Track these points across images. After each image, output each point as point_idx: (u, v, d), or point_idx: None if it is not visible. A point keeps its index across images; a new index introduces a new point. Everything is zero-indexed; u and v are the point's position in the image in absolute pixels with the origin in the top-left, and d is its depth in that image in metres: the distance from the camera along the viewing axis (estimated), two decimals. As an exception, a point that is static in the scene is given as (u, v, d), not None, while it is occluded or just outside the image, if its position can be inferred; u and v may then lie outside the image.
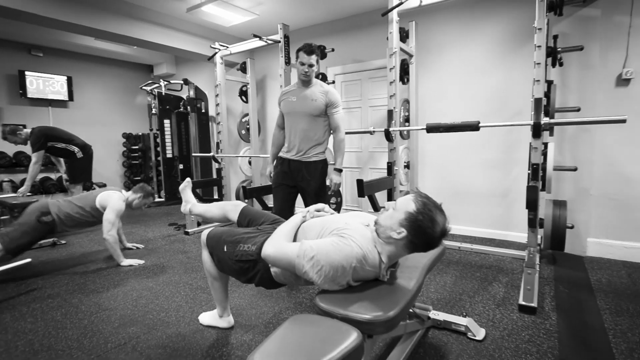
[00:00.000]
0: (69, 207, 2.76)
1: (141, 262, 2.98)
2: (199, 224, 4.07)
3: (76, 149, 3.81)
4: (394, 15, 2.70)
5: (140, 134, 6.30)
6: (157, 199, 5.81)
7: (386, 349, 1.67)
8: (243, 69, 4.46)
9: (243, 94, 4.63)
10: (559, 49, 2.64)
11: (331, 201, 3.43)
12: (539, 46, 2.11)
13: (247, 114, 4.62)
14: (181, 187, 2.17)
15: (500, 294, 2.26)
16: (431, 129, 2.41)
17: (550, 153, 2.48)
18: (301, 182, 2.44)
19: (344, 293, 1.20)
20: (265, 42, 3.63)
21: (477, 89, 3.43)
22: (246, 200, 3.79)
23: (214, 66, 4.19)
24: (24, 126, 3.99)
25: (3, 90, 4.89)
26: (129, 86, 6.28)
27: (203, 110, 5.54)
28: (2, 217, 3.98)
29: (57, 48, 5.31)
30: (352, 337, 0.97)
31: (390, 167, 2.83)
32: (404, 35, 3.20)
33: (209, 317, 1.94)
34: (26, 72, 4.97)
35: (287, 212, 2.40)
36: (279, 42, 3.44)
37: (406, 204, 1.20)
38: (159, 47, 4.41)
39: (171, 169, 5.46)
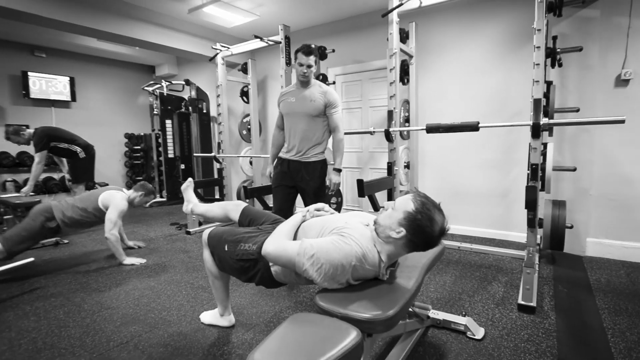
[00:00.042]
0: (72, 210, 2.78)
1: (143, 260, 3.00)
2: (200, 224, 4.09)
3: (79, 149, 3.83)
4: (394, 16, 2.71)
5: (142, 134, 6.33)
6: (158, 199, 5.83)
7: (386, 348, 1.68)
8: (244, 70, 4.47)
9: (244, 94, 4.65)
10: (558, 50, 2.65)
11: (332, 201, 3.44)
12: (538, 47, 2.12)
13: (248, 115, 4.64)
14: (183, 187, 2.18)
15: (499, 294, 2.27)
16: (431, 129, 2.42)
17: (550, 153, 2.49)
18: (300, 182, 2.46)
19: (343, 292, 1.20)
20: (266, 43, 3.64)
21: (476, 90, 3.43)
22: (247, 200, 3.81)
23: (216, 67, 4.21)
24: (27, 126, 4.03)
25: (6, 91, 4.92)
26: (131, 87, 6.30)
27: (204, 111, 5.57)
28: (5, 217, 4.01)
29: (59, 49, 5.34)
30: (352, 336, 0.98)
31: (390, 167, 2.84)
32: (404, 36, 3.20)
33: (210, 316, 1.95)
34: (29, 73, 4.99)
35: (286, 212, 2.41)
36: (280, 43, 3.45)
37: (405, 204, 1.21)
38: (160, 48, 4.43)
39: (173, 169, 5.49)
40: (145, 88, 5.86)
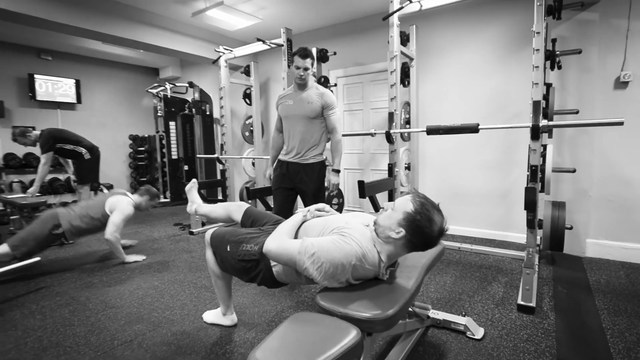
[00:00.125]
0: (79, 219, 2.82)
1: (143, 257, 3.07)
2: (203, 224, 4.12)
3: (84, 151, 3.88)
4: (394, 19, 2.72)
5: (146, 135, 6.37)
6: (162, 200, 5.88)
7: (386, 347, 1.69)
8: (247, 72, 4.51)
9: (247, 96, 4.68)
10: (558, 52, 2.66)
11: (333, 202, 3.46)
12: (538, 50, 2.13)
13: (250, 116, 4.67)
14: (187, 187, 2.20)
15: (499, 294, 2.28)
16: (431, 131, 2.42)
17: (549, 155, 2.50)
18: (300, 184, 2.48)
19: (344, 291, 1.21)
20: (269, 45, 3.67)
21: (476, 92, 3.45)
22: (249, 201, 3.84)
23: (219, 69, 4.24)
24: (34, 128, 4.06)
25: (13, 93, 4.97)
26: (136, 89, 6.34)
27: (207, 113, 5.60)
28: (12, 217, 4.07)
29: (65, 52, 5.39)
30: (352, 335, 0.99)
31: (391, 168, 2.85)
32: (404, 39, 3.22)
33: (212, 315, 1.97)
34: (35, 76, 5.04)
35: (286, 213, 2.43)
36: (282, 45, 3.48)
37: (404, 205, 1.22)
38: (164, 51, 4.46)
39: (176, 170, 5.53)
40: (150, 90, 5.91)
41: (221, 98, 4.28)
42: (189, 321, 1.99)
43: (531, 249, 2.18)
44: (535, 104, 2.12)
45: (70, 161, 4.17)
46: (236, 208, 1.89)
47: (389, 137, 2.78)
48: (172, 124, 5.49)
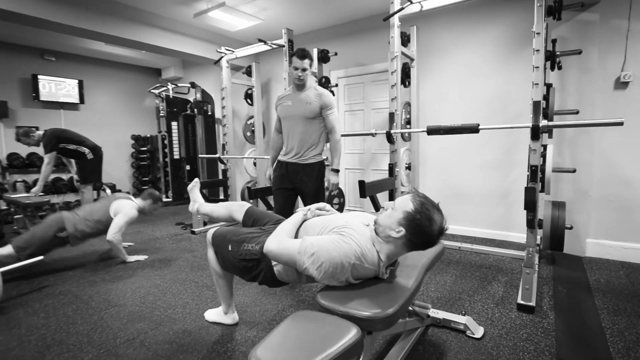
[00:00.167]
0: (84, 223, 2.83)
1: (145, 256, 3.10)
2: (205, 224, 4.14)
3: (87, 151, 3.90)
4: (395, 20, 2.73)
5: (148, 135, 6.40)
6: (164, 199, 5.90)
7: (386, 346, 1.70)
8: (248, 73, 4.52)
9: (248, 96, 4.69)
10: (558, 53, 2.66)
11: (334, 202, 3.47)
12: (538, 50, 2.13)
13: (252, 116, 4.68)
14: (189, 186, 2.21)
15: (499, 293, 2.29)
16: (432, 131, 2.42)
17: (549, 155, 2.50)
18: (299, 184, 2.49)
19: (344, 290, 1.22)
20: (270, 46, 3.69)
21: (477, 92, 3.45)
22: (251, 201, 3.86)
23: (220, 70, 4.25)
24: (37, 128, 4.09)
25: (17, 94, 5.00)
26: (138, 89, 6.37)
27: (209, 113, 5.62)
28: (15, 216, 4.10)
29: (69, 52, 5.43)
30: (352, 333, 1.00)
31: (391, 168, 2.85)
32: (405, 40, 3.23)
33: (214, 314, 1.98)
34: (39, 76, 5.07)
35: (287, 214, 2.43)
36: (283, 46, 3.50)
37: (404, 204, 1.23)
38: (167, 52, 4.49)
39: (178, 170, 5.55)
40: (152, 90, 5.93)
41: (223, 98, 4.30)
42: (190, 320, 2.01)
43: (531, 249, 2.19)
44: (536, 105, 2.12)
45: (73, 161, 4.19)
46: (238, 208, 1.89)
47: (390, 137, 2.79)
48: (174, 124, 5.51)
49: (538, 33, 2.13)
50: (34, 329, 1.92)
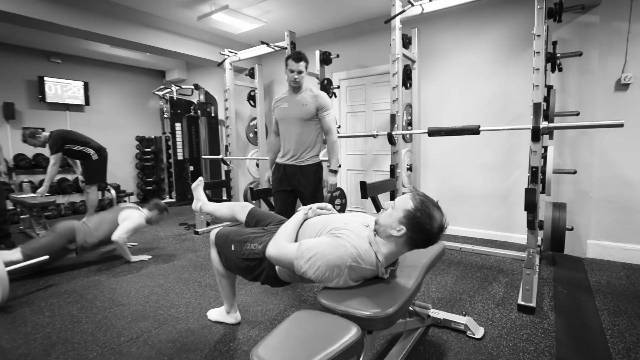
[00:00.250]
0: (93, 235, 2.87)
1: (149, 256, 3.13)
2: (208, 224, 4.16)
3: (92, 151, 3.94)
4: (396, 22, 2.75)
5: (152, 137, 6.44)
6: (168, 200, 5.95)
7: (387, 346, 1.70)
8: (251, 75, 4.56)
9: (251, 98, 4.72)
10: (559, 55, 2.67)
11: (336, 202, 3.49)
12: (538, 52, 2.14)
13: (255, 118, 4.71)
14: (194, 185, 2.23)
15: (499, 294, 2.29)
16: (433, 132, 2.43)
17: (550, 156, 2.51)
18: (297, 185, 2.51)
19: (345, 290, 1.23)
20: (273, 48, 3.71)
21: (478, 94, 3.46)
22: (253, 201, 3.89)
23: (224, 72, 4.29)
24: (43, 129, 4.13)
25: (23, 95, 5.05)
26: (142, 91, 6.42)
27: (213, 114, 5.66)
28: (22, 216, 4.15)
29: (74, 55, 5.47)
30: (352, 333, 1.01)
31: (393, 169, 2.87)
32: (406, 42, 3.25)
33: (217, 313, 1.99)
34: (45, 78, 5.12)
35: (287, 215, 2.44)
36: (286, 48, 3.52)
37: (404, 203, 1.25)
38: (171, 54, 4.52)
39: (182, 170, 5.59)
40: (156, 92, 5.98)
41: (226, 100, 4.33)
42: (193, 319, 2.02)
43: (532, 250, 2.20)
44: (536, 106, 2.13)
45: (78, 162, 4.24)
46: (240, 208, 1.91)
47: (391, 139, 2.80)
48: (177, 125, 5.55)
49: (538, 35, 2.14)
50: (39, 327, 1.94)
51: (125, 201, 5.89)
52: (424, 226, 1.21)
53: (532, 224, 2.18)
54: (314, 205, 1.57)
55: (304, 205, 2.48)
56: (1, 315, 2.10)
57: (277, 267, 1.47)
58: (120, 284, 2.56)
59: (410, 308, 1.80)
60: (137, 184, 6.47)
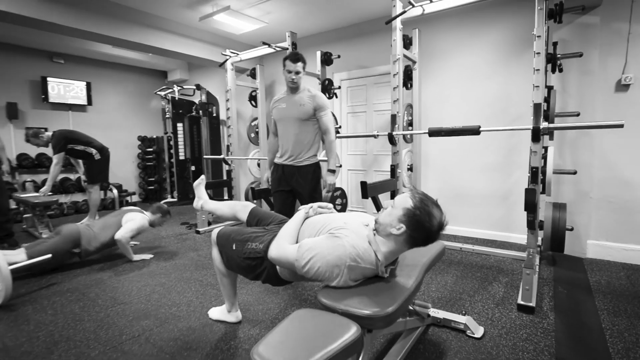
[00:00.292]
0: (97, 240, 2.90)
1: (151, 255, 3.15)
2: (209, 223, 4.18)
3: (94, 151, 3.97)
4: (397, 23, 2.75)
5: (154, 136, 6.46)
6: (170, 199, 5.97)
7: (387, 345, 1.71)
8: (253, 75, 4.57)
9: (252, 98, 4.73)
10: (559, 56, 2.67)
11: (337, 202, 3.50)
12: (539, 53, 2.15)
13: (256, 118, 4.73)
14: (195, 183, 2.24)
15: (499, 294, 2.30)
16: (433, 133, 2.43)
17: (550, 157, 2.51)
18: (296, 186, 2.52)
19: (345, 289, 1.24)
20: (274, 49, 3.73)
21: (478, 94, 3.47)
22: (255, 201, 3.91)
23: (225, 72, 4.30)
24: (46, 129, 4.16)
25: (27, 95, 5.08)
26: (144, 91, 6.44)
27: (214, 115, 5.67)
28: (25, 215, 4.17)
29: (77, 55, 5.50)
30: (352, 331, 1.02)
31: (393, 169, 2.87)
32: (407, 43, 3.26)
33: (218, 312, 2.01)
34: (48, 78, 5.14)
35: (286, 215, 2.48)
36: (287, 49, 3.54)
37: (404, 201, 1.26)
38: (173, 54, 4.54)
39: (184, 170, 5.61)
40: (158, 92, 6.01)
41: (227, 100, 4.34)
42: (195, 317, 2.03)
43: (531, 250, 2.20)
44: (536, 107, 2.13)
45: (81, 161, 4.27)
46: (242, 208, 1.93)
47: (392, 139, 2.81)
48: (179, 125, 5.57)
49: (539, 36, 2.14)
50: (42, 326, 1.96)
51: (127, 201, 5.91)
52: (423, 224, 1.21)
53: (532, 224, 2.19)
54: (315, 205, 1.58)
55: (302, 204, 2.50)
56: (4, 313, 2.12)
57: (277, 266, 1.48)
58: (122, 283, 2.58)
59: (410, 307, 1.81)
60: (139, 184, 6.50)
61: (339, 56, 3.88)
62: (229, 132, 4.38)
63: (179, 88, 5.79)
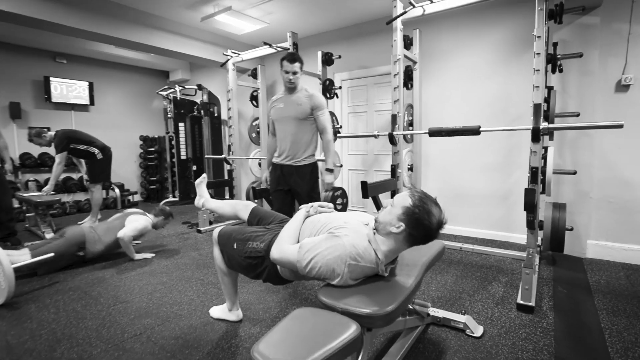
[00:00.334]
0: (101, 242, 2.94)
1: (152, 254, 3.17)
2: (210, 223, 4.19)
3: (96, 151, 3.99)
4: (398, 23, 2.76)
5: (156, 136, 6.47)
6: (171, 199, 5.99)
7: (387, 344, 1.72)
8: (254, 75, 4.58)
9: (254, 98, 4.74)
10: (559, 56, 2.67)
11: (337, 202, 3.51)
12: (539, 53, 2.15)
13: (257, 118, 4.74)
14: (197, 181, 2.26)
15: (499, 293, 2.30)
16: (433, 133, 2.44)
17: (550, 157, 2.51)
18: (294, 185, 2.54)
19: (345, 288, 1.25)
20: (275, 49, 3.74)
21: (479, 95, 3.47)
22: (256, 201, 3.92)
23: (227, 72, 4.32)
24: (49, 129, 4.18)
25: (29, 95, 5.11)
26: (146, 91, 6.47)
27: (216, 114, 5.69)
28: (27, 214, 4.20)
29: (80, 55, 5.52)
30: (351, 330, 1.02)
31: (394, 169, 2.88)
32: (407, 43, 3.26)
33: (219, 311, 2.02)
34: (51, 78, 5.17)
35: (286, 214, 2.50)
36: (288, 49, 3.55)
37: (403, 200, 1.26)
38: (174, 54, 4.56)
39: (185, 170, 5.62)
40: (160, 92, 6.03)
41: (229, 100, 4.36)
42: (196, 316, 2.05)
43: (531, 250, 2.20)
44: (536, 107, 2.13)
45: (83, 161, 4.29)
46: (243, 207, 1.94)
47: (392, 139, 2.81)
48: (181, 125, 5.58)
49: (539, 36, 2.14)
50: (45, 324, 1.97)
51: (129, 200, 5.94)
52: (422, 222, 1.22)
53: (532, 224, 2.19)
54: (315, 204, 1.59)
55: (299, 204, 2.51)
56: (8, 311, 2.13)
57: (278, 265, 1.49)
58: (124, 282, 2.59)
59: (410, 306, 1.82)
60: (140, 183, 6.52)
61: (339, 56, 3.89)
62: (230, 132, 4.39)
63: (180, 88, 5.80)
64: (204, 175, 2.29)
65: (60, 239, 2.82)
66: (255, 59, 4.24)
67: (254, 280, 2.44)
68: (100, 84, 5.83)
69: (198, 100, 5.72)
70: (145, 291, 2.42)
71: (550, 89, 2.61)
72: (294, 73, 2.42)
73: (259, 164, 4.88)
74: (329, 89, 3.72)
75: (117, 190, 5.61)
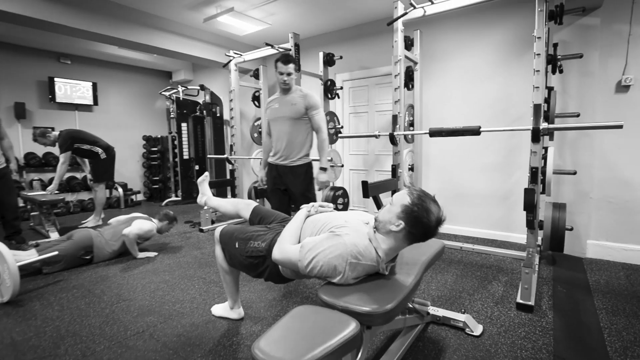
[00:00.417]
0: (108, 245, 2.98)
1: (155, 253, 3.19)
2: (213, 222, 4.21)
3: (100, 150, 4.02)
4: (399, 24, 2.77)
5: (159, 136, 6.50)
6: (174, 198, 6.02)
7: (387, 342, 1.74)
8: (256, 76, 4.60)
9: (256, 99, 4.76)
10: (559, 57, 2.67)
11: (338, 202, 3.52)
12: (539, 54, 2.16)
13: (259, 118, 4.75)
14: (199, 180, 2.27)
15: (499, 293, 2.31)
16: (434, 133, 2.44)
17: (550, 157, 2.52)
18: (289, 185, 2.56)
19: (345, 286, 1.27)
20: (277, 50, 3.75)
21: (479, 95, 3.48)
22: (257, 200, 3.94)
23: (229, 73, 4.34)
24: (53, 129, 4.21)
25: (34, 95, 5.15)
26: (149, 91, 6.50)
27: (218, 115, 5.71)
28: (32, 213, 4.23)
29: (83, 56, 5.56)
30: (351, 327, 1.04)
31: (394, 169, 2.89)
32: (408, 44, 3.27)
33: (220, 309, 2.03)
34: (55, 79, 5.20)
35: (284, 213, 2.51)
36: (290, 50, 3.56)
37: (402, 198, 1.27)
38: (177, 55, 4.58)
39: (188, 169, 5.65)
40: (163, 93, 6.07)
41: (231, 100, 4.38)
42: (198, 314, 2.06)
43: (531, 249, 2.21)
44: (536, 107, 2.14)
45: (87, 160, 4.33)
46: (244, 206, 1.95)
47: (393, 139, 2.82)
48: (183, 125, 5.62)
49: (539, 37, 2.14)
50: (49, 321, 2.00)
51: (132, 199, 5.97)
52: (421, 220, 1.23)
53: (532, 224, 2.20)
54: (316, 204, 1.61)
55: (294, 204, 2.53)
56: (13, 308, 2.16)
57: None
58: (127, 280, 2.61)
59: (410, 305, 1.82)
60: (143, 183, 6.55)
61: (341, 57, 3.90)
62: (233, 132, 4.41)
63: (183, 88, 5.83)
64: (207, 173, 2.31)
65: (68, 241, 2.86)
66: (257, 59, 4.26)
67: (256, 279, 2.46)
68: (104, 84, 5.86)
69: (200, 101, 5.75)
70: (148, 289, 2.44)
71: (550, 89, 2.61)
72: (288, 74, 2.44)
73: (261, 164, 4.90)
74: (330, 89, 3.74)
75: (120, 190, 5.64)
